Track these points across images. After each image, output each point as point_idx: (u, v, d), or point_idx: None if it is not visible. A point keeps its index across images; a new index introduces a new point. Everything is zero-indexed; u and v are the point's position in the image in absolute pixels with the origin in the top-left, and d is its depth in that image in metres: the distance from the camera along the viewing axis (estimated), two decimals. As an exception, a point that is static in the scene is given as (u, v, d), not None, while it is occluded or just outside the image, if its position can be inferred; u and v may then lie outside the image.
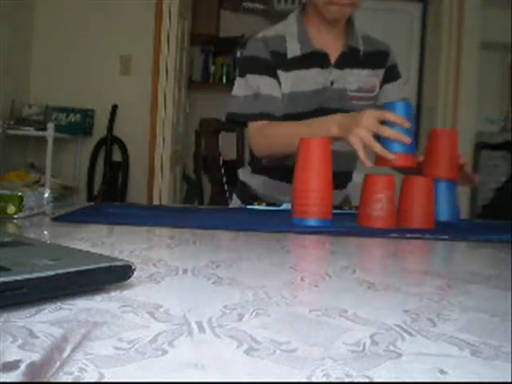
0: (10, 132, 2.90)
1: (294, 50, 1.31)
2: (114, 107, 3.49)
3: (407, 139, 0.98)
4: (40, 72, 3.45)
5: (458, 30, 3.67)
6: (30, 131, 2.99)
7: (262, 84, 1.30)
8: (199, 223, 0.93)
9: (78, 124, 3.40)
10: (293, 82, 1.31)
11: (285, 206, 1.11)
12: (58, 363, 0.28)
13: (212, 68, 4.70)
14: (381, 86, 1.39)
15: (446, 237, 0.91)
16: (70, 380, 0.26)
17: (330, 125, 1.11)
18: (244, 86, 1.32)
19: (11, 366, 0.27)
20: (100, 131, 3.49)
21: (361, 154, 1.01)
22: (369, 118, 1.01)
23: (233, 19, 4.68)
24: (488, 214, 3.48)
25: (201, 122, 1.97)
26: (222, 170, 1.65)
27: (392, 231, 0.91)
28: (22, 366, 0.27)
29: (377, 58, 1.37)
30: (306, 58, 1.31)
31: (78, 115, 3.40)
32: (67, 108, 3.39)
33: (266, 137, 1.29)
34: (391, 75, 1.39)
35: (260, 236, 0.85)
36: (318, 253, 0.77)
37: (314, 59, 1.32)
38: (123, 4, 3.47)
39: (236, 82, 1.36)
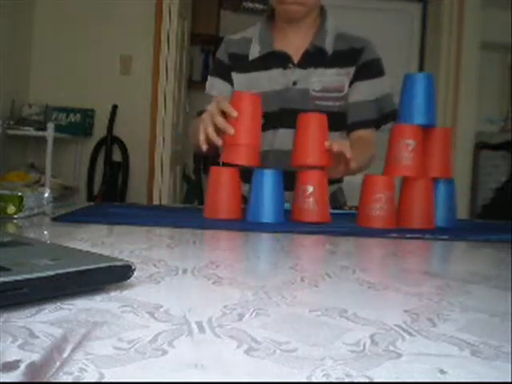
0: (10, 132, 2.90)
1: (254, 51, 1.34)
2: (114, 107, 3.49)
3: (231, 131, 1.00)
4: (40, 72, 3.45)
5: (458, 29, 3.67)
6: (30, 131, 2.99)
7: (213, 85, 1.38)
8: (199, 223, 0.93)
9: (78, 124, 3.40)
10: (251, 83, 1.33)
11: (285, 206, 1.11)
12: (58, 363, 0.28)
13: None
14: (351, 84, 1.34)
15: (446, 237, 0.91)
16: (70, 380, 0.26)
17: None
18: (206, 87, 1.42)
19: (11, 366, 0.27)
20: (100, 131, 3.49)
21: (200, 137, 1.05)
22: (212, 105, 1.05)
23: (233, 19, 4.67)
24: (488, 214, 3.47)
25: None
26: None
27: (392, 231, 0.91)
28: (22, 366, 0.27)
29: (348, 56, 1.33)
30: (265, 59, 1.33)
31: (78, 115, 3.40)
32: (67, 108, 3.39)
33: (190, 131, 1.38)
34: (363, 72, 1.34)
35: (260, 236, 0.85)
36: (318, 253, 0.77)
37: (275, 60, 1.33)
38: (123, 4, 3.47)
39: None
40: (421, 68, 3.98)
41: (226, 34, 4.56)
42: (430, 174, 1.04)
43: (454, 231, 0.99)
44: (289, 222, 0.99)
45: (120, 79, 3.51)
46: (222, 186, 1.01)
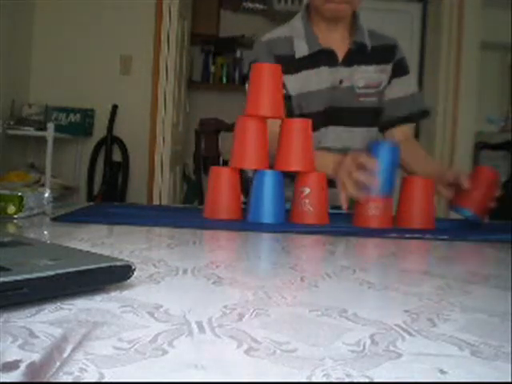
0: (10, 132, 2.90)
1: (301, 49, 1.32)
2: (114, 107, 3.49)
3: (375, 182, 0.96)
4: (40, 72, 3.45)
5: (458, 29, 3.67)
6: (30, 131, 2.99)
7: None
8: (199, 223, 0.93)
9: (78, 124, 3.40)
10: (302, 82, 1.32)
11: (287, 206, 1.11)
12: (58, 363, 0.28)
13: (212, 68, 4.70)
14: (390, 80, 1.38)
15: (446, 237, 0.91)
16: (69, 380, 0.26)
17: (328, 165, 1.09)
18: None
19: (11, 366, 0.27)
20: (100, 131, 3.49)
21: (342, 197, 1.01)
22: (348, 163, 1.01)
23: (233, 19, 4.68)
24: (488, 214, 3.47)
25: (201, 122, 1.97)
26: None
27: (392, 231, 0.91)
28: (22, 366, 0.27)
29: (384, 53, 1.37)
30: (314, 57, 1.32)
31: (78, 115, 3.40)
32: (67, 108, 3.39)
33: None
34: (399, 70, 1.39)
35: (260, 236, 0.85)
36: (318, 253, 0.77)
37: (322, 58, 1.32)
38: (123, 4, 3.47)
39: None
40: (421, 68, 3.98)
41: (225, 34, 4.52)
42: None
43: (454, 231, 0.99)
44: (288, 223, 0.99)
45: (120, 79, 3.51)
46: (221, 186, 1.01)
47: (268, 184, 0.98)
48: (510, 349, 0.34)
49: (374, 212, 0.96)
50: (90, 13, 3.45)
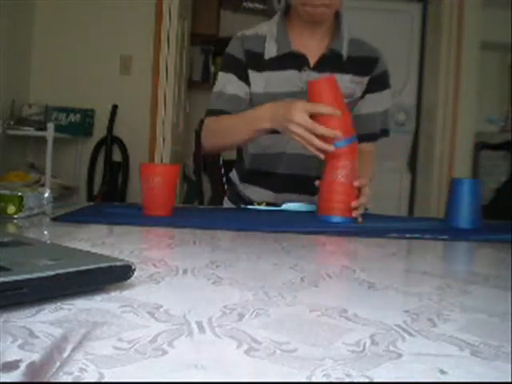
0: (10, 132, 2.89)
1: (271, 50, 1.30)
2: (114, 107, 3.49)
3: (339, 134, 0.99)
4: (40, 72, 3.45)
5: (458, 29, 3.66)
6: (30, 131, 2.98)
7: (228, 83, 1.32)
8: (199, 223, 0.93)
9: (78, 124, 3.40)
10: (266, 82, 1.30)
11: (285, 207, 1.11)
12: (58, 363, 0.28)
13: (212, 68, 4.69)
14: (363, 95, 1.34)
15: (446, 237, 0.91)
16: (69, 380, 0.26)
17: (263, 119, 1.12)
18: (217, 84, 1.35)
19: (11, 366, 0.27)
20: (100, 131, 3.49)
21: (311, 150, 1.02)
22: (300, 113, 1.01)
23: (233, 19, 4.67)
24: (488, 214, 3.47)
25: (201, 122, 1.96)
26: (222, 170, 1.65)
27: (392, 231, 0.91)
28: (22, 366, 0.27)
29: (363, 65, 1.33)
30: (282, 59, 1.29)
31: (78, 115, 3.40)
32: (67, 108, 3.39)
33: (210, 131, 1.32)
34: (377, 85, 1.34)
35: (260, 236, 0.85)
36: (318, 253, 0.77)
37: (291, 61, 1.29)
38: (123, 4, 3.47)
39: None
40: (421, 68, 3.98)
41: (225, 34, 4.53)
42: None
43: (454, 231, 0.99)
44: (287, 223, 0.99)
45: (120, 79, 3.51)
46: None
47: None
48: (509, 349, 0.34)
49: (336, 203, 0.99)
50: (90, 13, 3.45)
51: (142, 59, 3.50)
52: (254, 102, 1.32)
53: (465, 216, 1.02)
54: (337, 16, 1.32)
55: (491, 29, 3.71)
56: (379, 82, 1.34)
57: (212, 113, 1.32)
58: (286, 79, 1.29)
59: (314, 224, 0.99)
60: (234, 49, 1.34)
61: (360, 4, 3.83)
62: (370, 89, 1.33)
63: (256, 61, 1.30)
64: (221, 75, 1.35)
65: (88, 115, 3.44)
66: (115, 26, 3.47)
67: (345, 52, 1.30)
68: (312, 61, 1.29)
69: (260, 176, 1.37)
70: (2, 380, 0.25)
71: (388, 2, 3.91)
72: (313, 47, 1.30)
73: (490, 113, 4.08)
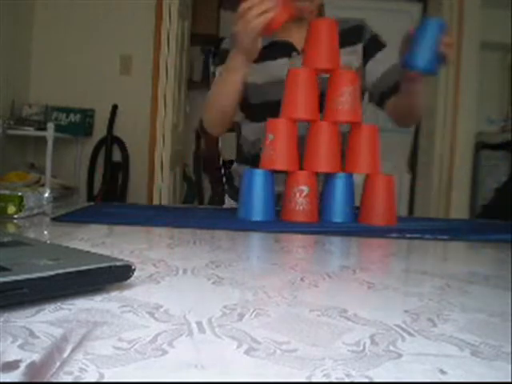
0: (10, 132, 2.90)
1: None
2: (114, 107, 3.49)
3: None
4: (40, 72, 3.45)
5: (458, 30, 3.66)
6: (30, 131, 2.98)
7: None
8: (199, 223, 0.93)
9: (78, 124, 3.40)
10: (265, 71, 1.34)
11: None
12: (58, 363, 0.28)
13: (212, 68, 4.69)
14: (365, 62, 1.37)
15: (446, 237, 0.91)
16: (69, 380, 0.26)
17: (233, 58, 1.17)
18: (214, 79, 1.40)
19: (11, 366, 0.27)
20: (100, 131, 3.49)
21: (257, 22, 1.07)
22: (241, 21, 1.10)
23: (233, 19, 4.66)
24: (488, 214, 3.47)
25: (201, 122, 1.96)
26: (222, 170, 1.65)
27: (392, 231, 0.91)
28: (22, 366, 0.27)
29: (350, 35, 1.36)
30: (271, 49, 1.33)
31: (78, 115, 3.40)
32: (67, 108, 3.39)
33: (205, 110, 1.37)
34: (373, 47, 1.38)
35: (260, 236, 0.85)
36: (318, 253, 0.77)
37: (279, 50, 1.35)
38: (123, 4, 3.47)
39: None
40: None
41: (225, 34, 4.55)
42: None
43: (454, 231, 0.99)
44: (279, 222, 0.99)
45: (120, 79, 3.51)
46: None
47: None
48: (509, 349, 0.34)
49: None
50: (90, 13, 3.45)
51: (142, 59, 3.50)
52: (251, 92, 1.35)
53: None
54: (320, 10, 1.38)
55: (491, 29, 3.71)
56: (375, 44, 1.38)
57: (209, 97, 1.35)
58: (279, 67, 1.33)
59: (314, 224, 0.99)
60: (228, 44, 1.40)
61: (360, 4, 3.83)
62: (368, 54, 1.37)
63: None
64: (217, 70, 1.40)
65: (88, 115, 3.45)
66: (115, 26, 3.47)
67: None
68: (299, 46, 1.34)
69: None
70: (2, 380, 0.25)
71: (388, 1, 3.91)
72: (299, 36, 1.34)
73: (490, 113, 4.08)
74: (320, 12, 1.38)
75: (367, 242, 0.86)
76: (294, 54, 1.34)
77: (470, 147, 3.73)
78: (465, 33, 3.66)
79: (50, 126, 2.93)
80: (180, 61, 3.75)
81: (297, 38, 1.35)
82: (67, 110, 3.38)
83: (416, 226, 1.02)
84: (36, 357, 0.29)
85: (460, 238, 0.92)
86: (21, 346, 0.30)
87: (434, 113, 3.75)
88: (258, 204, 1.00)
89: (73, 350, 0.30)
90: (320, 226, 0.96)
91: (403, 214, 3.70)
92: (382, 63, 1.37)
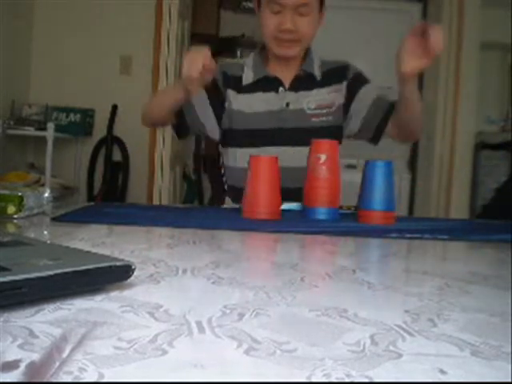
0: (10, 132, 2.89)
1: (248, 77, 1.40)
2: (114, 107, 3.49)
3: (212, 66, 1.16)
4: (40, 72, 3.45)
5: (458, 30, 3.66)
6: (30, 131, 2.98)
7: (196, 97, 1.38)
8: (199, 223, 0.93)
9: (78, 124, 3.40)
10: (247, 102, 1.39)
11: (284, 206, 1.11)
12: (58, 363, 0.28)
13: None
14: (351, 99, 1.39)
15: (446, 237, 0.91)
16: (69, 380, 0.26)
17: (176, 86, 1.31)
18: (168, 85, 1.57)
19: (11, 366, 0.27)
20: (100, 131, 3.49)
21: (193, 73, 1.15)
22: (187, 60, 1.16)
23: (233, 19, 4.67)
24: (488, 214, 3.47)
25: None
26: (222, 170, 1.65)
27: (392, 231, 0.91)
28: (22, 366, 0.27)
29: (335, 75, 1.40)
30: (259, 83, 1.39)
31: (78, 115, 3.40)
32: (67, 108, 3.39)
33: (149, 101, 1.48)
34: (357, 83, 1.40)
35: (260, 236, 0.85)
36: (318, 253, 0.77)
37: (268, 85, 1.39)
38: (123, 4, 3.47)
39: None
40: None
41: (225, 34, 4.53)
42: None
43: (454, 231, 0.99)
44: (286, 223, 0.99)
45: (120, 79, 3.51)
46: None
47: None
48: (509, 349, 0.34)
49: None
50: (90, 13, 3.45)
51: (142, 59, 3.50)
52: (236, 118, 1.40)
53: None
54: (307, 51, 1.42)
55: (491, 29, 3.71)
56: (359, 80, 1.41)
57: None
58: (265, 100, 1.39)
59: (313, 224, 0.99)
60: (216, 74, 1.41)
61: (360, 4, 3.83)
62: (353, 91, 1.39)
63: (234, 83, 1.40)
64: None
65: (88, 115, 3.44)
66: (115, 26, 3.47)
67: (317, 72, 1.40)
68: (286, 83, 1.39)
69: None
70: (2, 380, 0.25)
71: (388, 1, 3.91)
72: (287, 73, 1.40)
73: (489, 113, 4.08)
74: (308, 52, 1.42)
75: (367, 241, 0.86)
76: (281, 89, 1.39)
77: (470, 147, 3.73)
78: (465, 33, 3.66)
79: (50, 125, 2.92)
80: (180, 61, 3.75)
81: (285, 73, 1.40)
82: (67, 110, 3.38)
83: (416, 226, 1.02)
84: (36, 357, 0.29)
85: (460, 237, 0.92)
86: (20, 346, 0.30)
87: (434, 113, 3.75)
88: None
89: (72, 350, 0.30)
90: (320, 225, 0.96)
91: (403, 214, 3.70)
92: (368, 95, 1.39)
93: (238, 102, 1.39)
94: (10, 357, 0.28)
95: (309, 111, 1.38)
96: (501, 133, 4.01)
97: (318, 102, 1.39)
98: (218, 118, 1.41)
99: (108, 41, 3.47)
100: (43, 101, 3.33)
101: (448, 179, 3.70)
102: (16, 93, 3.23)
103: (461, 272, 0.64)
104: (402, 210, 3.89)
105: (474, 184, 3.74)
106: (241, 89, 1.40)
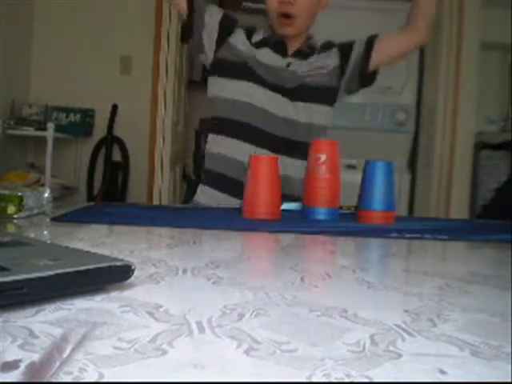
0: (10, 132, 2.89)
1: (256, 37, 1.46)
2: (114, 107, 3.49)
3: None
4: (40, 72, 3.45)
5: (458, 29, 3.66)
6: (30, 131, 2.98)
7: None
8: (199, 223, 0.93)
9: (78, 124, 3.40)
10: (252, 52, 1.43)
11: (284, 206, 1.11)
12: (58, 363, 0.28)
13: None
14: (347, 61, 1.46)
15: (446, 237, 0.91)
16: (69, 380, 0.26)
17: None
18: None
19: (11, 366, 0.27)
20: (100, 131, 3.49)
21: None
22: None
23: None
24: (488, 214, 3.47)
25: (200, 122, 1.96)
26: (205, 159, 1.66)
27: (392, 231, 0.91)
28: (22, 366, 0.27)
29: (324, 45, 1.49)
30: (267, 41, 1.44)
31: (78, 115, 3.40)
32: (67, 108, 3.39)
33: None
34: (346, 46, 1.48)
35: (260, 236, 0.85)
36: (318, 253, 0.77)
37: (275, 45, 1.43)
38: (123, 4, 3.47)
39: None
40: (421, 68, 3.98)
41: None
42: None
43: (454, 231, 0.99)
44: (286, 222, 0.99)
45: (120, 79, 3.51)
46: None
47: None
48: (509, 349, 0.34)
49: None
50: (90, 13, 3.45)
51: (142, 59, 3.50)
52: (221, 105, 1.43)
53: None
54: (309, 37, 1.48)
55: (491, 29, 3.71)
56: (345, 46, 1.48)
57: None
58: (271, 56, 1.43)
59: (313, 224, 0.99)
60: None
61: (359, 4, 3.83)
62: (347, 53, 1.47)
63: (248, 34, 1.46)
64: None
65: (88, 115, 3.44)
66: (115, 26, 3.47)
67: (317, 47, 1.48)
68: (290, 50, 1.44)
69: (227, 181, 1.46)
70: (2, 380, 0.25)
71: (388, 2, 3.91)
72: (291, 42, 1.46)
73: (490, 113, 4.08)
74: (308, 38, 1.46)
75: (367, 241, 0.86)
76: (286, 53, 1.43)
77: (470, 147, 3.73)
78: (465, 33, 3.66)
79: (50, 125, 2.92)
80: (180, 60, 3.75)
81: (292, 42, 1.44)
82: (67, 110, 3.38)
83: (416, 226, 1.02)
84: (36, 357, 0.29)
85: (460, 237, 0.92)
86: (21, 346, 0.30)
87: (434, 113, 3.75)
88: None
89: (73, 350, 0.30)
90: (320, 226, 0.96)
91: (403, 214, 3.70)
92: (359, 46, 1.47)
93: (244, 46, 1.43)
94: (10, 357, 0.28)
95: (301, 73, 1.45)
96: (501, 133, 4.01)
97: (311, 65, 1.46)
98: (217, 43, 1.44)
99: (108, 41, 3.47)
100: (43, 101, 3.33)
101: (448, 179, 3.70)
102: (16, 93, 3.23)
103: (461, 272, 0.64)
104: (401, 210, 3.89)
105: (474, 184, 3.74)
106: (248, 46, 1.44)
